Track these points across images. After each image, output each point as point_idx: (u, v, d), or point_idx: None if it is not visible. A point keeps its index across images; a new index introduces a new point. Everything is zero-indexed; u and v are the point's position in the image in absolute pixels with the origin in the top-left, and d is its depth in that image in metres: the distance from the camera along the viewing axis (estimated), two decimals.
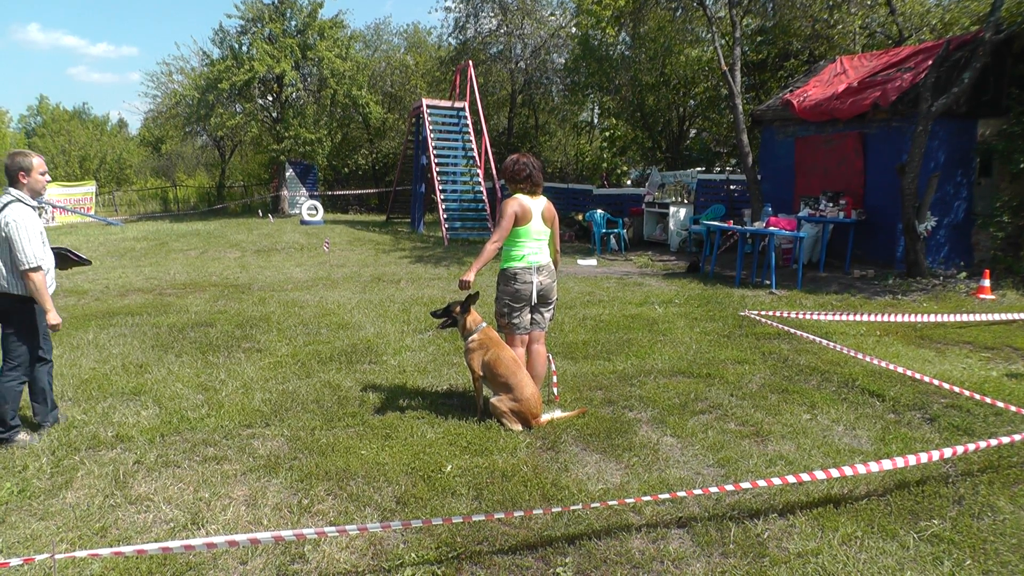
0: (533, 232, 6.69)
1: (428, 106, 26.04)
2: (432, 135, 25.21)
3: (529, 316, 6.86)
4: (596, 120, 38.78)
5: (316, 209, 30.55)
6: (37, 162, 6.09)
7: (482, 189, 24.95)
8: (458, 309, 6.91)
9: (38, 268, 5.88)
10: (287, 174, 37.10)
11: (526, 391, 6.38)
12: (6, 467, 5.66)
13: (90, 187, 38.80)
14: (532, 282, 6.65)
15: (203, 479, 5.43)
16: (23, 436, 6.16)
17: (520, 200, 6.66)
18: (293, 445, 6.05)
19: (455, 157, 25.66)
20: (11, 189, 6.00)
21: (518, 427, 6.33)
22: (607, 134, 31.83)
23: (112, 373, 8.15)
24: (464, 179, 25.44)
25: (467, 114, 26.40)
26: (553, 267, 6.90)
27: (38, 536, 4.66)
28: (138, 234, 25.78)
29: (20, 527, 4.78)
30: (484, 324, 6.84)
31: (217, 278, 15.47)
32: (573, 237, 23.82)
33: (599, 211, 21.35)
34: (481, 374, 6.64)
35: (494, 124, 38.86)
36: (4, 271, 5.90)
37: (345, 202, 41.42)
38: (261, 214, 35.34)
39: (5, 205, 5.90)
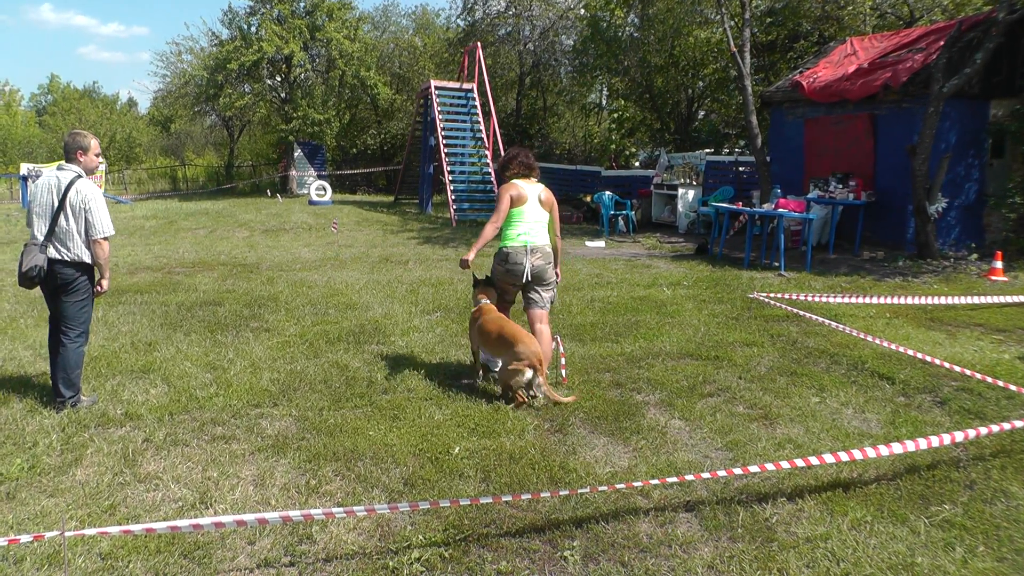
0: (528, 215, 7.00)
1: (436, 87, 25.92)
2: (440, 116, 25.11)
3: (516, 292, 7.31)
4: (604, 102, 38.57)
5: (324, 189, 30.52)
6: (94, 143, 6.49)
7: (490, 170, 24.87)
8: (478, 288, 7.45)
9: (109, 237, 6.43)
10: (295, 154, 37.08)
11: (519, 334, 6.59)
12: (17, 443, 5.66)
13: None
14: (523, 263, 6.95)
15: (211, 458, 5.42)
16: (86, 399, 6.56)
17: (516, 184, 7.03)
18: (301, 425, 6.03)
19: (463, 138, 25.59)
20: (70, 165, 6.41)
21: (527, 372, 6.39)
22: (615, 116, 31.63)
23: (121, 351, 8.16)
24: (472, 160, 25.37)
25: (475, 95, 26.28)
26: (549, 250, 7.08)
27: (48, 513, 4.66)
28: (147, 212, 25.78)
29: (30, 504, 4.77)
30: (484, 301, 7.24)
31: (226, 257, 15.45)
32: (581, 219, 23.75)
33: (607, 193, 21.27)
34: (477, 355, 7.19)
35: (502, 105, 38.76)
36: (79, 239, 6.33)
37: (353, 182, 41.37)
38: (269, 194, 35.29)
39: (74, 179, 6.32)
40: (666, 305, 10.61)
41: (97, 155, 6.55)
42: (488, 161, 25.09)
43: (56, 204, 6.27)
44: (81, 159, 6.43)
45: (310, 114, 34.61)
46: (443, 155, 24.38)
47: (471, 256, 7.06)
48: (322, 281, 12.65)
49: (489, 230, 6.94)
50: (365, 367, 7.54)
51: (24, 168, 31.79)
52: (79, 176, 6.37)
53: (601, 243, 18.23)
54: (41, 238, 6.28)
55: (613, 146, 31.62)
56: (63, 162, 6.47)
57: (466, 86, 26.54)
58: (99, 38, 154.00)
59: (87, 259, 6.38)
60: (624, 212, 21.09)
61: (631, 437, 5.82)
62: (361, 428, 5.94)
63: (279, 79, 37.07)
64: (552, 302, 7.27)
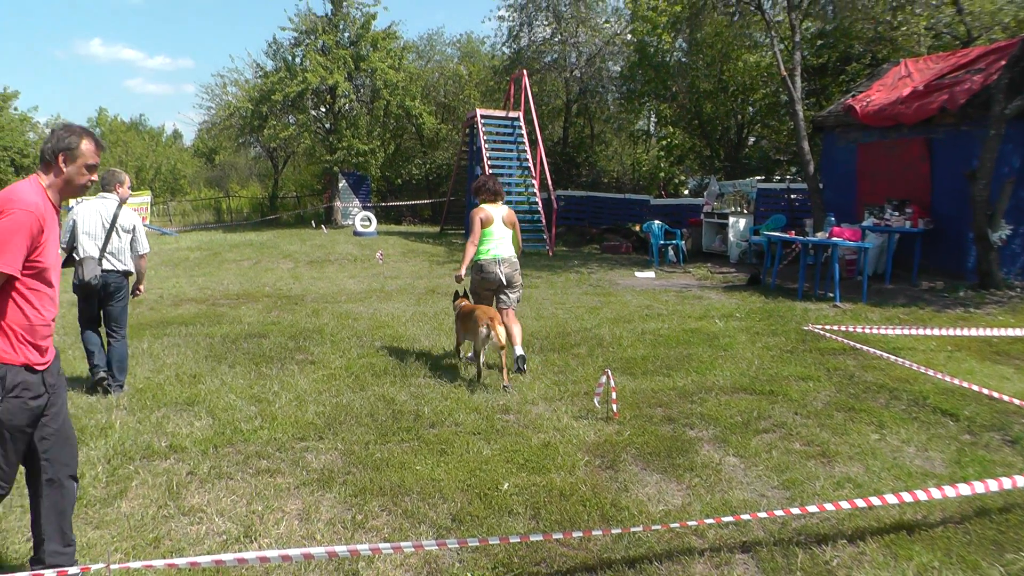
0: (495, 233, 9.03)
1: (482, 116, 26.10)
2: (486, 145, 25.24)
3: (491, 296, 9.14)
4: (653, 129, 38.55)
5: (369, 220, 30.75)
6: (127, 179, 8.38)
7: (537, 200, 24.92)
8: (458, 299, 9.34)
9: (147, 253, 8.42)
10: (340, 185, 37.41)
11: (477, 309, 8.60)
12: None
13: (145, 197, 39.46)
14: (495, 271, 8.93)
15: (256, 492, 5.45)
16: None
17: (484, 208, 9.10)
18: (347, 459, 6.04)
19: (510, 167, 25.67)
20: (110, 194, 8.16)
21: (483, 328, 8.22)
22: (664, 143, 31.67)
23: (166, 383, 8.27)
24: (519, 190, 25.45)
25: (521, 124, 26.42)
26: (515, 260, 9.09)
27: (94, 545, 4.70)
28: (191, 244, 26.16)
29: (77, 535, 4.80)
30: (466, 304, 9.11)
31: (270, 289, 15.61)
32: (630, 249, 23.70)
33: (656, 222, 21.22)
34: (458, 338, 9.08)
35: (549, 134, 38.84)
36: (128, 253, 8.19)
37: (398, 213, 41.63)
38: (314, 225, 35.65)
39: (120, 206, 8.16)
40: (718, 337, 10.53)
41: (129, 188, 8.36)
42: (535, 191, 25.13)
43: (106, 226, 7.98)
44: (118, 191, 8.18)
45: (354, 144, 34.97)
46: None
47: (462, 272, 8.98)
48: (368, 313, 12.73)
49: (469, 249, 9.00)
50: (412, 400, 7.56)
51: (73, 201, 32.44)
52: (121, 203, 8.15)
53: (651, 274, 18.15)
54: (96, 254, 7.92)
55: (662, 174, 31.69)
56: (102, 191, 8.18)
57: (512, 114, 26.69)
58: (146, 71, 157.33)
59: (132, 269, 8.24)
60: (674, 242, 21.00)
61: (684, 474, 5.76)
62: (408, 462, 5.93)
63: (323, 110, 37.49)
64: (518, 301, 9.23)
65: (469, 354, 9.22)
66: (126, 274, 8.19)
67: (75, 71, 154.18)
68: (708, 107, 29.82)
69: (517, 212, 24.85)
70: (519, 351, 8.80)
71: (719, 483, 5.60)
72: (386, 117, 37.43)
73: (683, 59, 29.68)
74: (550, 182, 24.53)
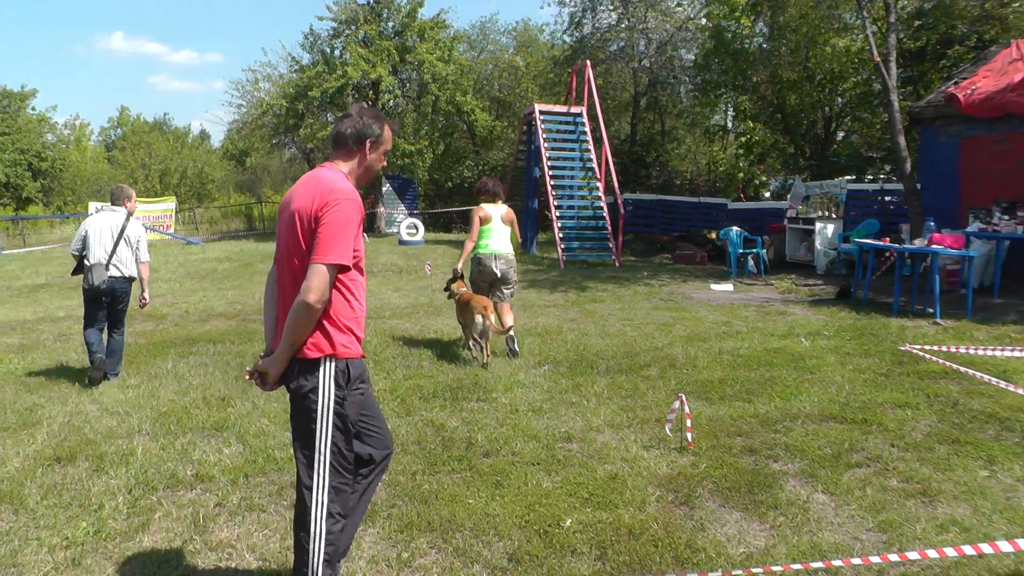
0: (494, 230, 10.96)
1: (541, 112, 26.12)
2: (546, 144, 25.27)
3: (487, 288, 11.06)
4: (730, 124, 38.38)
5: (416, 228, 30.93)
6: (133, 194, 10.36)
7: (602, 205, 24.90)
8: (452, 284, 11.26)
9: (148, 261, 10.18)
10: (384, 189, 37.64)
11: (473, 298, 10.47)
12: (82, 505, 5.84)
13: (170, 203, 40.17)
14: (491, 265, 10.84)
15: (291, 526, 5.48)
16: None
17: (483, 207, 11.03)
18: (392, 491, 6.07)
19: (572, 169, 25.69)
20: (119, 208, 10.05)
21: (478, 318, 10.12)
22: (743, 139, 31.42)
23: (192, 406, 8.38)
24: (582, 193, 25.45)
25: (585, 120, 26.42)
26: (512, 257, 11.00)
27: None
28: (220, 254, 26.54)
29: (95, 571, 4.90)
30: (463, 290, 11.07)
31: None
32: (705, 258, 23.60)
33: (735, 228, 21.07)
34: (461, 321, 10.89)
35: (615, 131, 38.83)
36: (132, 261, 9.94)
37: (448, 220, 41.74)
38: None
39: (128, 218, 10.00)
40: (804, 358, 10.40)
41: (135, 202, 10.37)
42: (600, 194, 25.11)
43: (115, 236, 9.80)
44: (127, 204, 10.14)
45: (400, 145, 35.07)
46: (549, 188, 24.52)
47: (459, 265, 11.15)
48: (415, 329, 12.83)
49: (468, 245, 11.03)
50: (463, 427, 7.57)
51: (92, 208, 33.15)
52: (129, 216, 10.06)
53: (728, 286, 18.05)
54: (105, 260, 9.69)
55: (740, 174, 31.44)
56: (111, 204, 10.13)
57: (574, 110, 26.71)
58: (171, 66, 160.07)
59: (135, 275, 10.00)
60: (754, 250, 20.85)
61: (768, 512, 5.69)
62: (459, 495, 5.94)
63: (366, 107, 37.85)
64: (511, 296, 11.23)
65: (470, 342, 10.74)
66: (131, 280, 9.99)
67: (95, 67, 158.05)
68: (792, 99, 29.60)
69: (580, 218, 25.05)
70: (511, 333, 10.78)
71: (807, 523, 5.53)
72: (434, 114, 37.61)
73: (764, 45, 29.51)
74: (616, 185, 24.49)
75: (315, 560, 4.07)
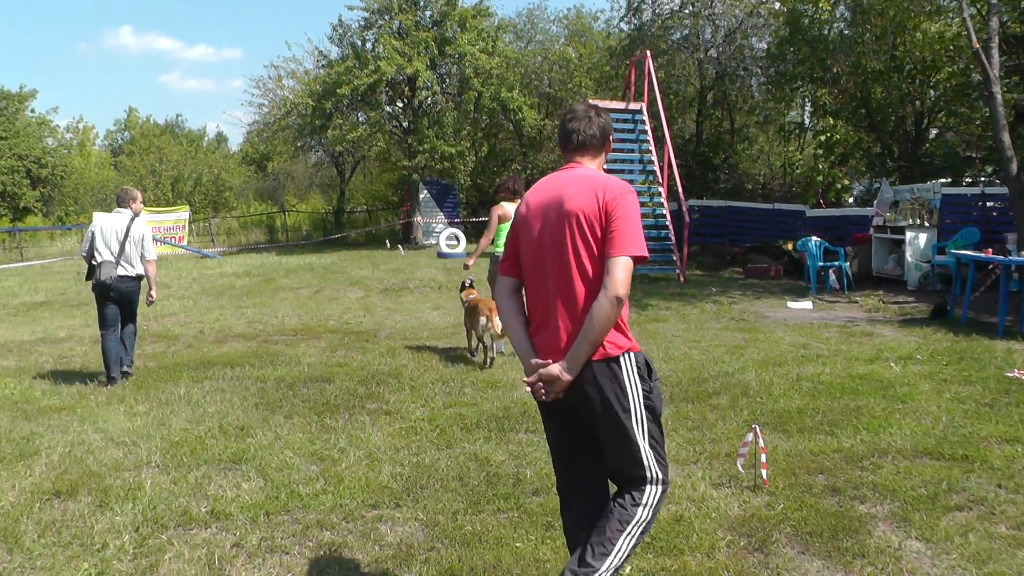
0: None
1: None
2: None
3: None
4: (808, 121, 38.15)
5: (457, 238, 31.02)
6: (139, 196, 11.88)
7: (665, 212, 24.80)
8: (463, 288, 13.35)
9: (155, 259, 11.65)
10: (421, 196, 37.83)
11: (478, 300, 12.26)
12: (84, 544, 5.85)
13: (183, 213, 40.56)
14: None
15: (318, 570, 5.46)
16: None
17: (502, 205, 12.30)
18: (430, 532, 6.04)
19: (631, 172, 25.64)
20: (124, 209, 11.45)
21: (482, 319, 11.69)
22: (822, 138, 31.27)
23: (207, 436, 8.40)
24: (643, 199, 25.38)
25: (645, 118, 26.38)
26: None
27: None
28: (239, 269, 26.80)
29: None
30: (473, 296, 12.80)
31: (335, 323, 15.86)
32: (781, 272, 23.45)
33: (814, 238, 20.91)
34: (467, 325, 12.47)
35: (679, 130, 38.75)
36: (138, 260, 11.31)
37: None
38: (389, 245, 36.06)
39: (133, 219, 11.39)
40: (894, 386, 10.26)
41: (141, 203, 11.85)
42: (662, 200, 25.02)
43: (120, 236, 11.19)
44: (131, 206, 11.52)
45: (439, 147, 35.26)
46: None
47: (471, 261, 13.01)
48: (456, 352, 12.83)
49: (483, 242, 12.68)
50: (511, 461, 7.54)
51: (97, 218, 33.50)
52: (135, 216, 11.48)
53: (807, 303, 17.92)
54: (113, 259, 11.09)
55: (820, 178, 31.33)
56: (117, 206, 11.57)
57: (633, 106, 26.69)
58: (184, 64, 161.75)
59: (142, 274, 11.41)
60: (836, 263, 20.65)
61: (854, 561, 5.59)
62: (506, 538, 5.90)
63: (400, 105, 38.01)
64: None
65: (473, 344, 12.44)
66: (138, 278, 11.41)
67: (101, 65, 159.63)
68: (878, 92, 29.30)
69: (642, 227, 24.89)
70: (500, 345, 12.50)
71: (899, 574, 5.43)
72: (477, 112, 37.65)
73: (846, 31, 29.20)
74: (680, 190, 24.43)
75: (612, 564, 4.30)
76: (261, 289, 21.49)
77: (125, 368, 11.28)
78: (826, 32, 29.28)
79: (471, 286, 13.08)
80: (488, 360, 11.80)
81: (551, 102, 43.72)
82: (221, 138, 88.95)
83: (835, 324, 15.26)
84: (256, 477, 7.16)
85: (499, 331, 11.44)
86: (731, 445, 7.88)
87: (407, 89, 36.54)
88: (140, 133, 76.01)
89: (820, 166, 31.14)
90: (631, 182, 25.23)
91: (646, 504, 4.38)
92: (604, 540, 4.30)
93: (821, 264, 20.60)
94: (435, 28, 35.75)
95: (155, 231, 36.31)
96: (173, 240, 37.37)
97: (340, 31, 37.85)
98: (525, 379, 4.42)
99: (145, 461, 7.58)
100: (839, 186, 33.64)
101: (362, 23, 36.70)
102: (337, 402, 9.74)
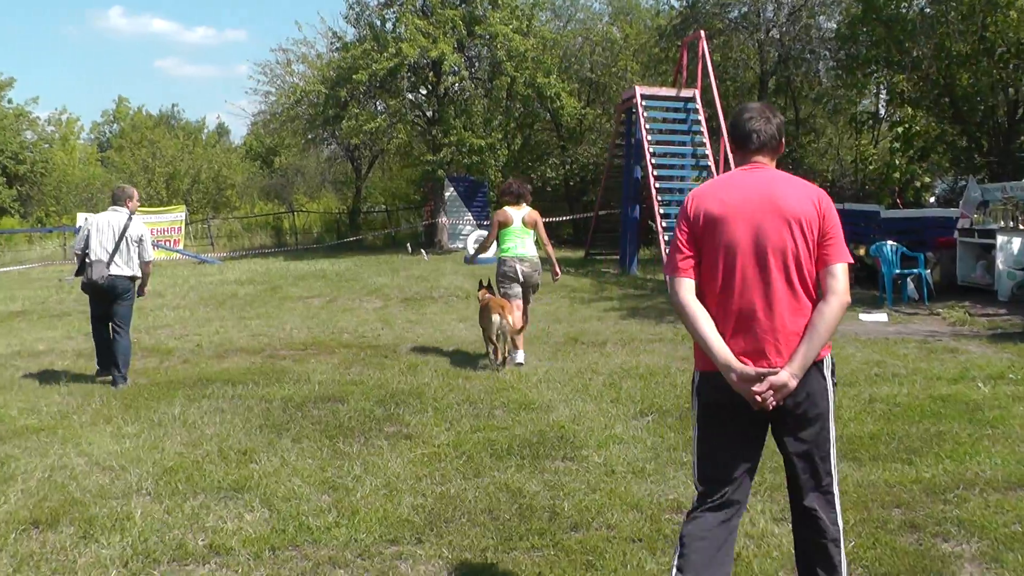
0: (515, 233, 13.54)
1: (644, 96, 26.10)
2: (650, 137, 25.23)
3: (519, 290, 13.50)
4: (883, 110, 37.92)
5: None
6: (136, 194, 12.97)
7: None
8: (480, 288, 14.06)
9: (152, 260, 12.78)
10: (447, 194, 37.82)
11: (492, 300, 13.14)
12: None
13: (179, 214, 40.74)
14: (515, 267, 13.39)
15: None
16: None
17: (504, 210, 13.70)
18: (456, 570, 6.04)
19: (682, 167, 25.61)
20: (121, 208, 12.42)
21: (495, 317, 12.68)
22: (900, 130, 30.95)
23: (205, 461, 8.42)
24: None
25: (699, 106, 26.35)
26: (536, 260, 13.73)
27: None
28: (241, 275, 26.98)
29: None
30: (487, 296, 13.48)
31: (350, 336, 15.91)
32: (852, 280, 23.22)
33: (889, 243, 20.75)
34: (482, 326, 13.41)
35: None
36: (135, 261, 12.25)
37: None
38: (410, 249, 36.09)
39: (130, 218, 12.34)
40: (983, 409, 10.18)
41: (137, 201, 12.91)
42: None
43: (116, 235, 12.06)
44: (128, 204, 12.47)
45: (467, 139, 35.10)
46: (654, 191, 24.43)
47: (470, 252, 16.99)
48: (485, 370, 12.85)
49: (486, 243, 14.34)
50: (546, 492, 7.52)
51: (81, 219, 33.70)
52: (132, 215, 12.44)
53: (882, 316, 17.80)
54: (106, 258, 11.90)
55: (897, 174, 31.01)
56: (113, 205, 12.52)
57: (685, 93, 26.66)
58: (182, 48, 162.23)
59: (138, 274, 12.39)
60: (915, 271, 20.50)
61: None
62: None
63: (424, 92, 38.01)
64: (533, 296, 14.33)
65: (488, 347, 13.38)
66: (133, 279, 12.33)
67: (88, 51, 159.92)
68: (964, 78, 29.05)
69: None
70: (520, 357, 13.19)
71: None
72: (510, 100, 37.63)
73: (927, 9, 29.02)
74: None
75: None
76: (267, 298, 21.57)
77: (119, 376, 12.06)
78: (904, 10, 29.08)
79: (488, 286, 13.86)
80: (499, 361, 12.94)
81: (593, 89, 43.65)
82: (222, 130, 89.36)
83: (914, 339, 15.16)
84: (260, 507, 7.17)
85: (517, 328, 12.84)
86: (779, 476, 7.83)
87: (432, 74, 36.46)
88: (131, 125, 76.39)
89: (897, 161, 30.79)
90: (682, 179, 25.28)
91: (841, 523, 4.83)
92: (833, 566, 4.74)
93: (898, 272, 20.44)
94: (463, 6, 35.65)
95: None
96: (168, 244, 37.45)
97: (357, 10, 37.76)
98: (756, 389, 4.55)
99: (135, 488, 7.60)
100: (919, 184, 33.31)
101: (381, 1, 36.70)
102: (351, 424, 9.76)
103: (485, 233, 31.45)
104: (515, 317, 13.03)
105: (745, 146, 4.96)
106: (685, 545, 4.72)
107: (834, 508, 4.79)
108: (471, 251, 30.35)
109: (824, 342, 4.65)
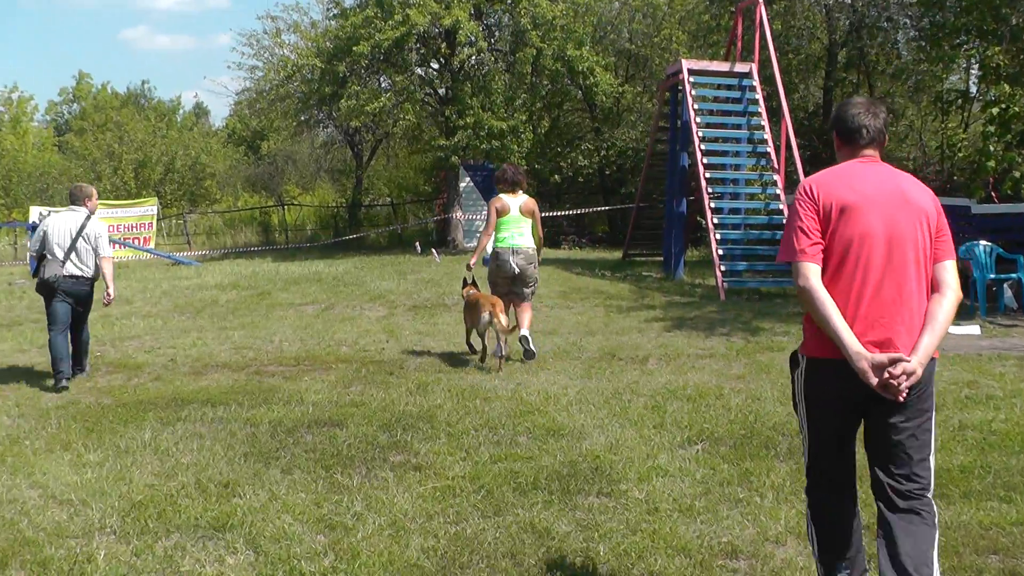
0: (512, 222, 14.67)
1: (691, 71, 25.98)
2: (699, 119, 25.14)
3: (508, 285, 14.75)
4: (974, 88, 37.74)
5: None
6: (95, 193, 14.16)
7: (782, 207, 24.58)
8: (464, 286, 15.33)
9: (111, 256, 14.04)
10: (462, 185, 37.82)
11: (480, 295, 14.42)
12: None
13: (150, 208, 40.76)
14: (509, 260, 14.49)
15: None
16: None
17: (501, 197, 14.86)
18: None
19: (737, 154, 25.54)
20: (80, 207, 13.64)
21: (485, 313, 13.77)
22: (994, 111, 30.84)
23: (180, 494, 8.40)
24: (752, 191, 25.26)
25: (755, 83, 26.25)
26: (532, 252, 14.77)
27: None
28: (223, 279, 27.06)
29: None
30: (472, 292, 14.82)
31: (349, 350, 15.94)
32: None
33: (982, 243, 20.68)
34: (467, 323, 14.71)
35: (800, 99, 38.53)
36: (92, 262, 13.45)
37: (555, 228, 41.47)
38: (419, 249, 36.07)
39: (88, 217, 13.55)
40: None
41: (96, 201, 14.11)
42: (778, 191, 24.84)
43: (73, 235, 13.23)
44: (87, 204, 13.71)
45: (485, 120, 35.14)
46: (703, 182, 24.33)
47: (473, 261, 15.38)
48: (507, 389, 12.78)
49: (483, 240, 15.61)
50: (578, 533, 7.49)
51: (35, 214, 33.84)
52: (90, 215, 13.68)
53: (973, 328, 17.75)
54: (61, 255, 13.11)
55: (991, 163, 30.92)
56: (71, 204, 13.80)
57: (740, 68, 26.59)
58: (153, 15, 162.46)
59: (97, 275, 13.59)
60: (1013, 276, 20.43)
61: None
62: None
63: (436, 67, 38.01)
64: (532, 294, 15.28)
65: (470, 341, 14.88)
66: (91, 280, 13.65)
67: (45, 18, 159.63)
68: None
69: (749, 227, 25.12)
70: (525, 331, 14.50)
71: None
72: (535, 76, 37.62)
73: None
74: (802, 178, 24.24)
75: None
76: (252, 305, 21.61)
77: (78, 369, 13.74)
78: None
79: (474, 283, 15.14)
80: (483, 357, 14.39)
81: (632, 63, 43.60)
82: (201, 111, 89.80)
83: (1012, 355, 15.10)
84: (245, 549, 7.15)
85: (507, 328, 13.93)
86: (871, 515, 7.76)
87: (444, 46, 36.42)
88: (93, 105, 76.78)
89: (991, 148, 30.68)
90: (736, 167, 25.21)
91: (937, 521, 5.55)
92: (928, 561, 5.33)
93: (992, 277, 20.36)
94: None
95: (113, 230, 36.44)
96: (137, 242, 37.55)
97: None
98: (893, 372, 5.15)
99: (98, 526, 7.58)
100: (1017, 174, 33.21)
101: None
102: (351, 453, 9.73)
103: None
104: (507, 317, 14.23)
105: (854, 141, 5.72)
106: (816, 522, 5.75)
107: (934, 519, 5.50)
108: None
109: (944, 335, 5.36)
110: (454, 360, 14.96)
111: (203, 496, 8.37)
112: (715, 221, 23.96)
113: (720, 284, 22.84)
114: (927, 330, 5.31)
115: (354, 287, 24.48)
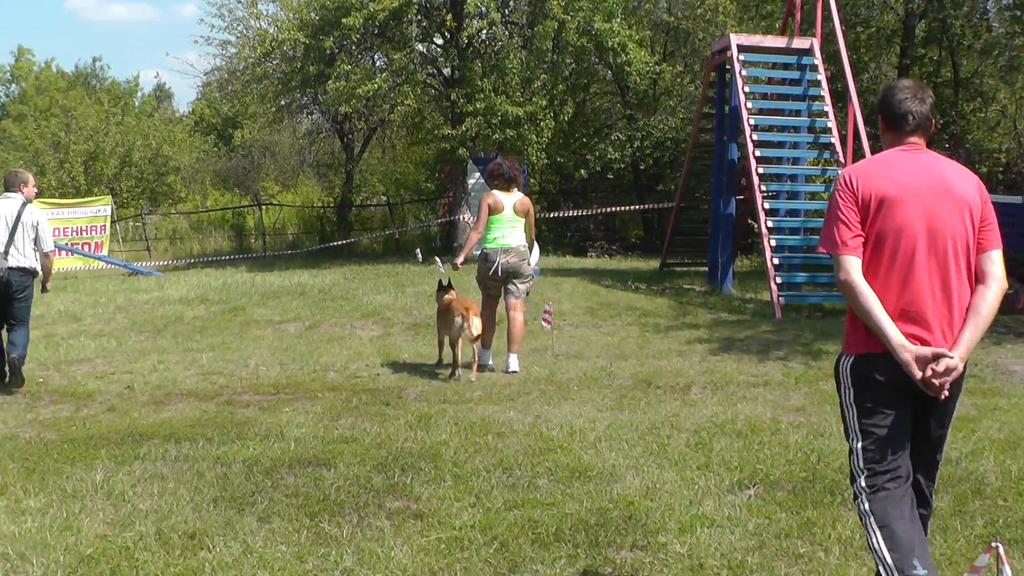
0: (505, 221, 15.66)
1: (741, 48, 25.91)
2: (748, 103, 25.09)
3: (499, 287, 16.02)
4: None
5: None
6: (32, 179, 15.12)
7: None
8: (440, 289, 16.58)
9: (52, 251, 15.08)
10: (471, 182, 37.83)
11: (454, 301, 15.52)
12: None
13: (102, 207, 40.66)
14: (498, 261, 15.49)
15: None
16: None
17: (493, 194, 15.80)
18: None
19: (795, 145, 25.52)
20: (15, 194, 14.58)
21: (457, 319, 15.01)
22: None
23: (138, 547, 8.35)
24: (814, 188, 25.26)
25: (817, 61, 26.18)
26: (524, 249, 15.80)
27: None
28: (190, 291, 27.11)
29: None
30: (447, 297, 16.08)
31: (338, 375, 15.95)
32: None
33: None
34: (439, 336, 16.27)
35: (869, 80, 38.48)
36: (31, 251, 14.49)
37: (581, 233, 41.50)
38: (420, 256, 35.84)
39: (24, 205, 14.52)
40: None
41: (34, 188, 15.11)
42: None
43: (10, 224, 14.25)
44: (23, 190, 14.66)
45: (499, 106, 35.08)
46: (755, 178, 24.30)
47: (459, 261, 16.47)
48: (523, 423, 12.77)
49: (473, 237, 16.31)
50: None
51: None
52: (27, 202, 14.69)
53: None
54: (2, 249, 14.02)
55: None
56: (6, 191, 14.64)
57: (798, 43, 26.52)
58: None
59: (37, 268, 14.73)
60: None
61: None
62: None
63: (440, 43, 38.03)
64: (527, 293, 16.28)
65: (442, 352, 16.45)
66: (32, 273, 14.73)
67: None
68: None
69: (809, 231, 24.95)
70: (513, 364, 15.87)
71: None
72: (558, 54, 37.56)
73: None
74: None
75: None
76: (224, 323, 21.64)
77: (14, 356, 14.68)
78: None
79: (450, 286, 16.57)
80: (458, 372, 15.44)
81: (672, 38, 43.66)
82: (163, 93, 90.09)
83: None
84: None
85: (475, 335, 15.13)
86: (957, 571, 7.74)
87: (450, 18, 36.31)
88: (35, 86, 76.98)
89: None
90: (794, 161, 25.21)
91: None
92: (927, 554, 5.97)
93: None
94: None
95: (59, 234, 36.39)
96: (87, 248, 37.49)
97: None
98: (935, 368, 5.72)
99: None
100: None
101: None
102: (340, 498, 9.69)
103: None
104: (509, 314, 16.04)
105: (900, 127, 6.25)
106: (882, 523, 5.96)
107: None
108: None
109: (986, 328, 5.99)
110: (462, 389, 14.93)
111: (165, 549, 8.33)
112: (769, 225, 23.90)
113: (775, 299, 22.81)
114: (969, 323, 5.92)
115: (343, 302, 24.51)
